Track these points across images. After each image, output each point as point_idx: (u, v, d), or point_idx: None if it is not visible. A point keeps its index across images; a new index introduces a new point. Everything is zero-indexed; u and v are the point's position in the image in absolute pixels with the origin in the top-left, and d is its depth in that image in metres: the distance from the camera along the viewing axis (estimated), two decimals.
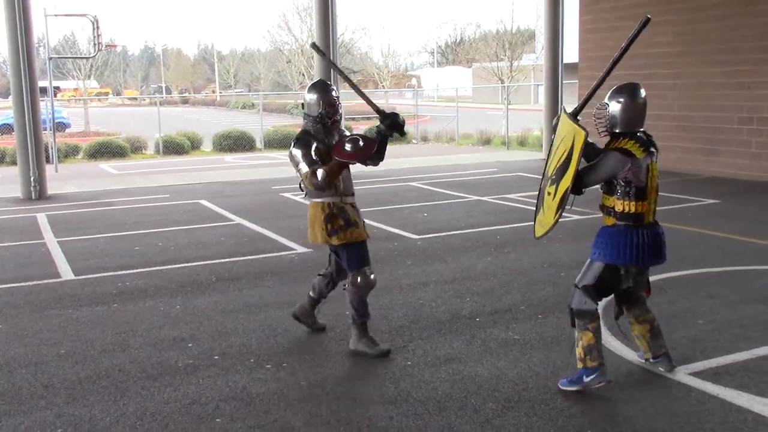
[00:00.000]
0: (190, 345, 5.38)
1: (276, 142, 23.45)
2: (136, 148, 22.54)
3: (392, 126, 5.06)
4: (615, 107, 4.45)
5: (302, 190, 5.18)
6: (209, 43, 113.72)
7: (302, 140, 4.98)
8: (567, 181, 4.25)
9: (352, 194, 5.19)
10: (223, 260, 8.00)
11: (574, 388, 4.39)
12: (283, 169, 17.07)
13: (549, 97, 17.82)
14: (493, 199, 11.81)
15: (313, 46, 6.04)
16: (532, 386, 4.50)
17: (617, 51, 4.53)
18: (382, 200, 11.83)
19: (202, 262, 7.92)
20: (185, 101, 64.79)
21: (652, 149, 4.38)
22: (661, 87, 15.00)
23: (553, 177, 4.45)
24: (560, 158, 4.40)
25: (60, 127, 28.06)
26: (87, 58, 33.09)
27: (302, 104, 5.16)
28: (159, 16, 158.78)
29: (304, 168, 4.88)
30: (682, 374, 4.61)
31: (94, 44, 21.58)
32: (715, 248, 8.10)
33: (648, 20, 4.37)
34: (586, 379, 4.36)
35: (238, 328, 5.74)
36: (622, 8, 15.85)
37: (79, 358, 5.17)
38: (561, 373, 4.69)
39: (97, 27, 20.58)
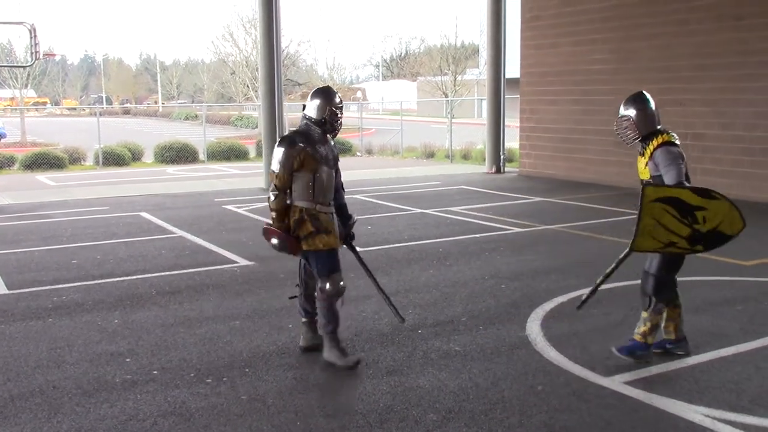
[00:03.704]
0: (128, 360, 5.28)
1: (219, 154, 23.23)
2: (74, 159, 22.02)
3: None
4: (636, 113, 5.04)
5: None
6: (152, 53, 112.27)
7: (287, 139, 5.02)
8: (689, 195, 4.69)
9: (329, 204, 5.18)
10: (163, 273, 7.89)
11: (627, 357, 5.03)
12: (227, 181, 16.92)
13: (492, 112, 18.10)
14: (437, 211, 11.91)
15: None
16: (472, 397, 4.55)
17: None
18: None
19: (141, 276, 7.79)
20: (126, 112, 63.73)
21: None
22: (599, 102, 15.39)
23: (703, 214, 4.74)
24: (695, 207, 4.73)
25: None
26: (24, 66, 32.25)
27: (303, 105, 5.17)
28: (100, 25, 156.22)
29: (276, 170, 4.97)
30: (618, 383, 4.72)
31: (32, 53, 21.03)
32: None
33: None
34: (640, 353, 5.05)
35: (177, 342, 5.66)
36: (562, 25, 16.23)
37: (12, 374, 5.03)
38: (501, 383, 4.76)
39: (35, 35, 20.08)
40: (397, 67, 77.07)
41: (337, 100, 5.11)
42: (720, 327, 5.84)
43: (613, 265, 5.04)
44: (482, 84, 25.78)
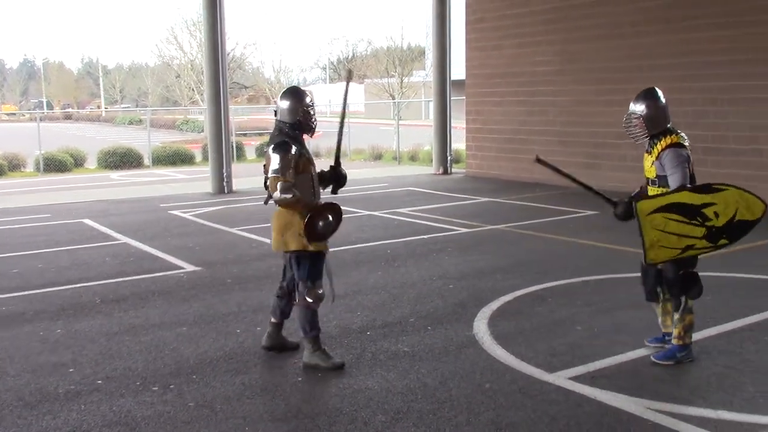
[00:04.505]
0: (71, 370, 5.18)
1: (165, 159, 22.90)
2: (14, 166, 21.46)
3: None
4: (646, 111, 4.95)
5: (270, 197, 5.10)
6: (94, 56, 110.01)
7: (283, 144, 4.93)
8: (689, 197, 4.67)
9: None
10: (107, 281, 7.75)
11: (669, 363, 4.96)
12: (173, 186, 16.70)
13: (438, 113, 18.23)
14: (384, 213, 11.95)
15: None
16: (420, 397, 4.59)
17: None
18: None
19: (85, 284, 7.64)
20: (68, 117, 62.35)
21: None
22: (543, 103, 15.64)
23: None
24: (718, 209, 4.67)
25: None
26: None
27: (275, 111, 5.13)
28: (39, 28, 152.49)
29: (277, 173, 4.83)
30: (562, 379, 4.81)
31: None
32: (592, 258, 8.49)
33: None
34: (679, 355, 4.97)
35: (123, 350, 5.57)
36: (505, 27, 16.44)
37: None
38: (449, 382, 4.80)
39: None
40: (344, 69, 77.01)
41: (308, 99, 5.13)
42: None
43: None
44: (429, 86, 25.94)
